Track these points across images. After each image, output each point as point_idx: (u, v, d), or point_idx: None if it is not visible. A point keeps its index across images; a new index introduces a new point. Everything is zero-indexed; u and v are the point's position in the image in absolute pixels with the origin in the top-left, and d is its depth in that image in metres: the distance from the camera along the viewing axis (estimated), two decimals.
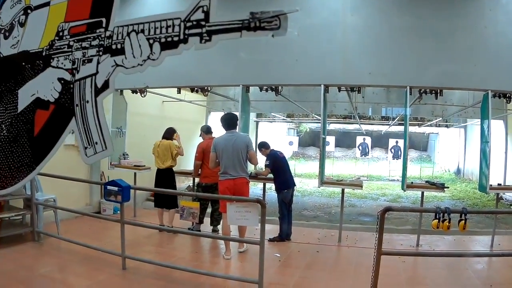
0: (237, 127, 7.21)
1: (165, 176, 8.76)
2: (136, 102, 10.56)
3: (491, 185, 7.67)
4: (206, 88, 10.11)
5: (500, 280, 6.04)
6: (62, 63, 3.73)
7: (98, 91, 3.55)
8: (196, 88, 9.93)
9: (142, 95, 9.64)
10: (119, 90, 9.78)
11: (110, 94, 9.36)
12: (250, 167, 7.41)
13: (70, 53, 3.68)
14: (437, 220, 4.69)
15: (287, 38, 8.00)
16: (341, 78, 7.97)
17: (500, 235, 8.54)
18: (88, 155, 3.66)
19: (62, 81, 3.74)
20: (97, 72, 3.52)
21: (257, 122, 23.36)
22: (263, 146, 8.28)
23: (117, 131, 9.94)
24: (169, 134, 8.86)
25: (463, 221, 4.71)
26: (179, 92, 10.65)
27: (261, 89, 8.91)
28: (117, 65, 3.36)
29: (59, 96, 3.77)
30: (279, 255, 7.17)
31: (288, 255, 7.25)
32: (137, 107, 11.07)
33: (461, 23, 7.56)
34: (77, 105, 3.65)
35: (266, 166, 8.06)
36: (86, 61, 3.59)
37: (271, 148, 8.32)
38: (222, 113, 17.03)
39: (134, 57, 3.22)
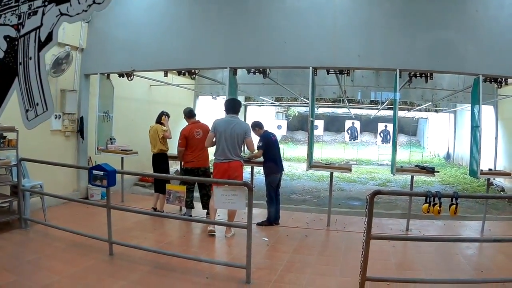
0: (239, 113, 7.35)
1: (157, 161, 8.77)
2: (123, 86, 10.44)
3: (481, 170, 7.67)
4: (193, 71, 9.99)
5: (491, 266, 6.04)
6: (8, 20, 3.60)
7: (41, 45, 3.42)
8: (183, 71, 9.80)
9: (129, 79, 9.50)
10: (106, 74, 9.67)
11: (96, 76, 9.31)
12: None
13: (17, 7, 3.56)
14: (428, 204, 4.66)
15: (275, 19, 8.00)
16: (329, 60, 7.88)
17: (491, 221, 8.58)
18: (29, 118, 3.53)
19: (8, 39, 3.61)
20: (41, 24, 3.39)
21: (245, 106, 23.28)
22: (257, 125, 8.18)
23: (104, 116, 9.82)
24: (159, 117, 8.81)
25: (454, 205, 4.68)
26: (166, 75, 10.53)
27: (248, 72, 8.80)
28: (62, 14, 3.24)
29: (4, 56, 3.63)
30: (267, 240, 7.15)
31: (276, 240, 7.22)
32: (124, 92, 10.94)
33: (452, 6, 7.49)
34: (20, 64, 3.51)
35: (259, 147, 7.95)
36: (31, 14, 3.46)
37: (265, 129, 8.26)
38: (210, 97, 17.13)
39: (79, 3, 3.10)
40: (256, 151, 7.91)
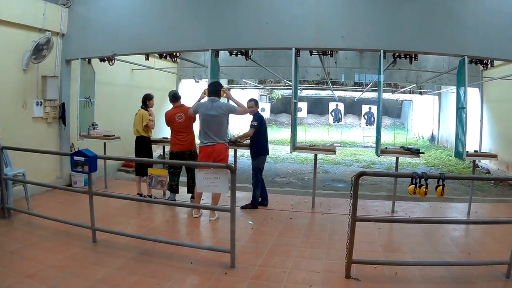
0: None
1: (140, 144, 8.68)
2: (105, 71, 10.31)
3: (467, 151, 7.68)
4: (175, 54, 9.86)
5: (478, 248, 6.07)
6: None
7: None
8: (164, 55, 9.67)
9: (110, 63, 9.37)
10: (87, 59, 9.53)
11: (77, 61, 9.18)
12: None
13: None
14: (414, 185, 4.65)
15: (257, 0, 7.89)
16: (313, 41, 7.83)
17: (477, 203, 8.65)
18: None
19: None
20: None
21: (228, 89, 23.17)
22: (256, 103, 8.11)
23: (86, 101, 9.67)
24: (143, 101, 8.68)
25: (441, 186, 4.68)
26: (147, 59, 10.38)
27: (231, 54, 8.71)
28: None
29: None
30: (251, 223, 7.14)
31: (261, 223, 7.21)
32: (106, 76, 10.83)
33: None
34: None
35: (252, 126, 7.85)
36: None
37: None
38: (192, 81, 17.04)
39: None
40: (249, 128, 7.89)
